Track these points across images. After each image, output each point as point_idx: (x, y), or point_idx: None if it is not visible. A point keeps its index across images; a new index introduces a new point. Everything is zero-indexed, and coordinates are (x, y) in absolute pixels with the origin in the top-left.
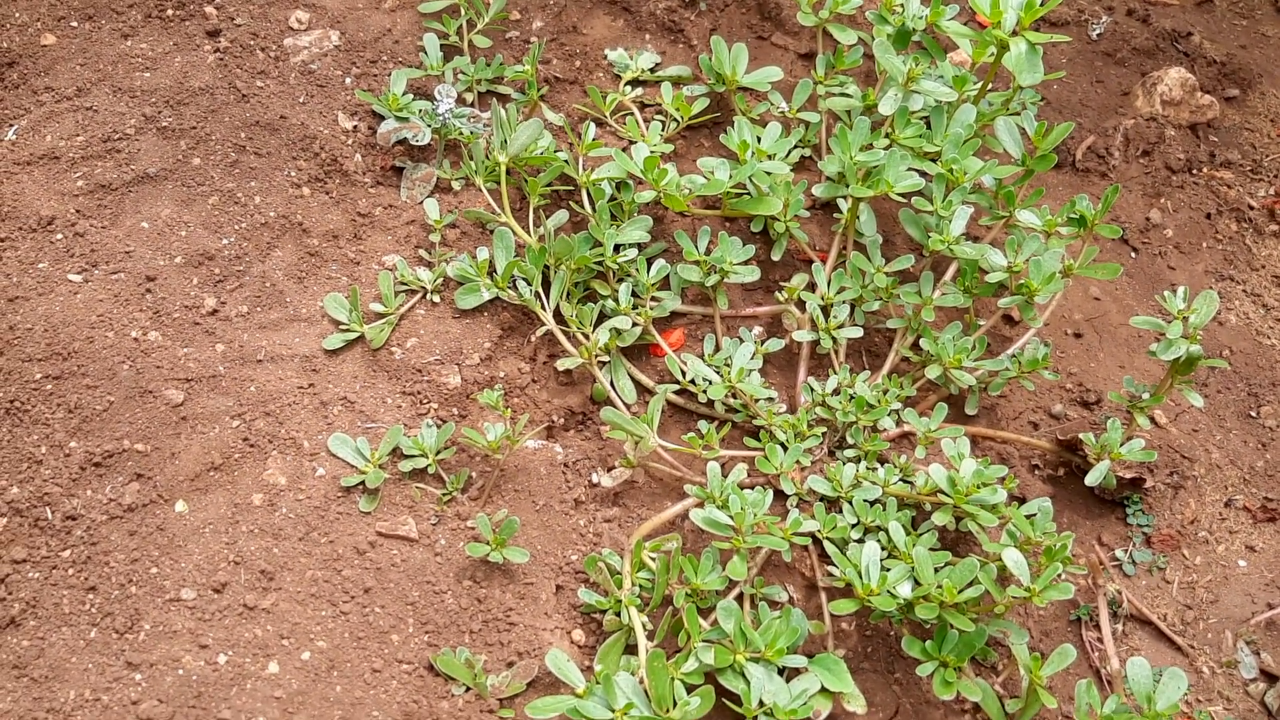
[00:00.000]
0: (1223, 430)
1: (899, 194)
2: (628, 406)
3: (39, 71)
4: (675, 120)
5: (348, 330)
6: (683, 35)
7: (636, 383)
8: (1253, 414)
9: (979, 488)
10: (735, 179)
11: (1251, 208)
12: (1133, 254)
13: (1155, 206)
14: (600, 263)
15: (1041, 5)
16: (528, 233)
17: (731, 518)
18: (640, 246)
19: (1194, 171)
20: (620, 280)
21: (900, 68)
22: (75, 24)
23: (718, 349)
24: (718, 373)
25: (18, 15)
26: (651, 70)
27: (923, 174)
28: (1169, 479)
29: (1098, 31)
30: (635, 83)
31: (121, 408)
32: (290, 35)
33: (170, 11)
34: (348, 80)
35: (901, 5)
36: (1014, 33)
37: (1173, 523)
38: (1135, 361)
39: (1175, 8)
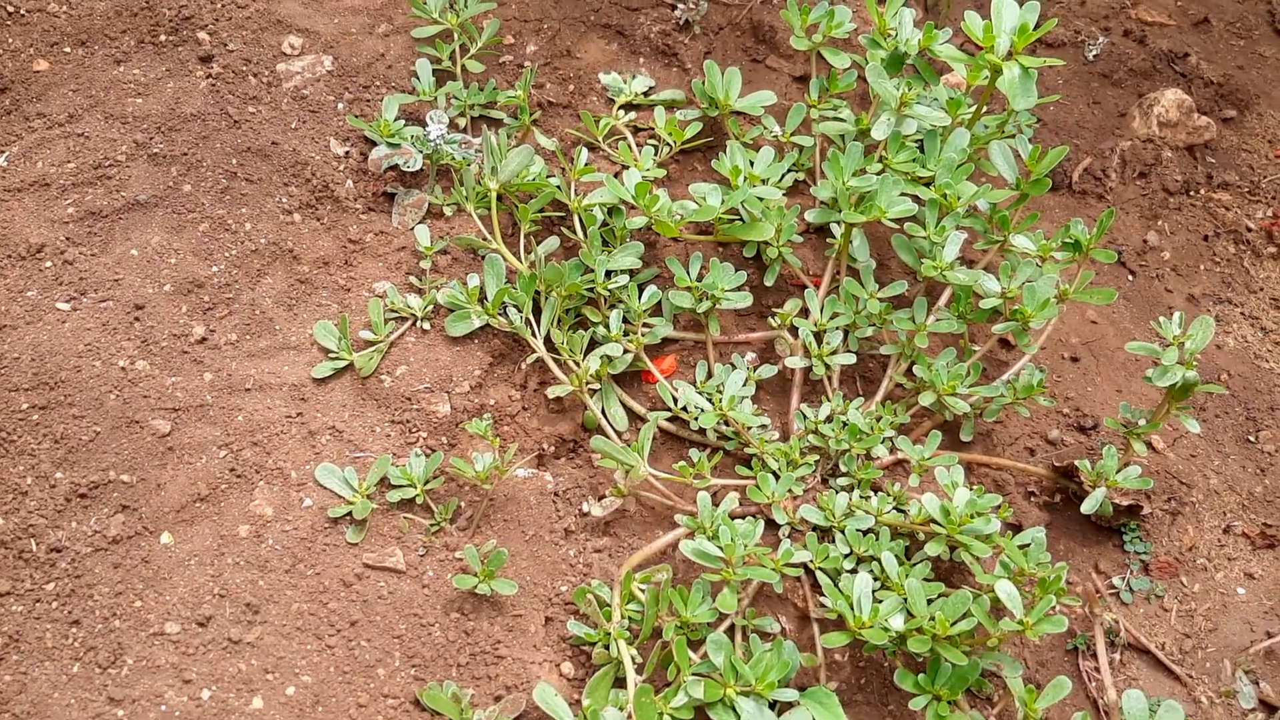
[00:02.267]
0: (1221, 455)
1: (892, 219)
2: (619, 434)
3: (31, 98)
4: (668, 145)
5: (337, 358)
6: (677, 59)
7: (628, 409)
8: (1251, 439)
9: (972, 517)
10: (727, 204)
11: (1249, 230)
12: (1130, 276)
13: (1152, 228)
14: (591, 289)
15: (1035, 29)
16: (519, 259)
17: (722, 549)
18: (632, 273)
19: (1191, 193)
20: (611, 307)
21: (893, 93)
22: (68, 50)
23: (710, 376)
24: (710, 400)
25: (11, 41)
26: (645, 94)
27: (916, 199)
28: (1166, 505)
29: (1094, 53)
30: (629, 106)
31: (108, 438)
32: (283, 61)
33: (163, 38)
34: (340, 106)
35: (895, 30)
36: (1008, 56)
37: (1171, 549)
38: (1133, 385)
39: (1172, 28)
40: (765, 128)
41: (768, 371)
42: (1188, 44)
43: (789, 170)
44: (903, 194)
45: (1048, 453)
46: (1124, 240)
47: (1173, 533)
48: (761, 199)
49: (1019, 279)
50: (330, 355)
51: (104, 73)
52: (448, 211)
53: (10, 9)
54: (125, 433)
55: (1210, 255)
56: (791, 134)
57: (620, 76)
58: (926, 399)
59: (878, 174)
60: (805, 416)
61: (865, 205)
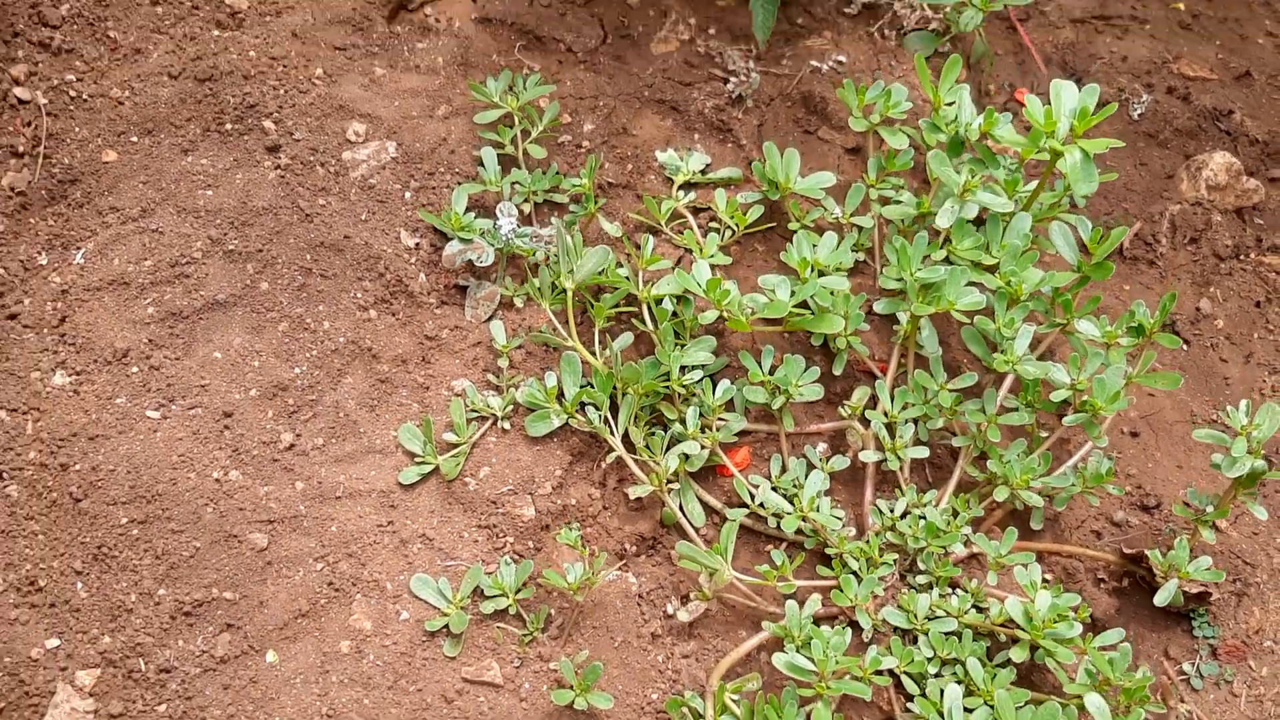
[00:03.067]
0: None
1: (960, 311)
2: (697, 530)
3: (102, 190)
4: (730, 229)
5: (423, 462)
6: (731, 134)
7: (705, 505)
8: None
9: (1055, 621)
10: (797, 298)
11: None
12: (1184, 346)
13: (1205, 296)
14: (667, 385)
15: (1096, 113)
16: (594, 355)
17: (814, 663)
18: (704, 367)
19: (1242, 257)
20: (686, 402)
21: (956, 179)
22: (135, 139)
23: (784, 470)
24: (789, 500)
25: (77, 130)
26: (702, 172)
27: (982, 287)
28: (1233, 586)
29: (1139, 111)
30: (687, 185)
31: (208, 553)
32: (348, 148)
33: (229, 126)
34: (407, 195)
35: (953, 107)
36: (1068, 140)
37: (1238, 632)
38: (1193, 461)
39: (1215, 83)
40: (825, 209)
41: (840, 463)
42: (1231, 99)
43: (851, 251)
44: (969, 283)
45: (1114, 535)
46: (1177, 309)
47: (1239, 615)
48: (830, 290)
49: (1088, 370)
50: (416, 460)
51: (173, 163)
52: (519, 302)
53: (73, 94)
54: (224, 547)
55: (1264, 322)
56: (851, 215)
57: (677, 154)
58: (1000, 494)
59: (943, 261)
60: (881, 512)
61: (933, 296)
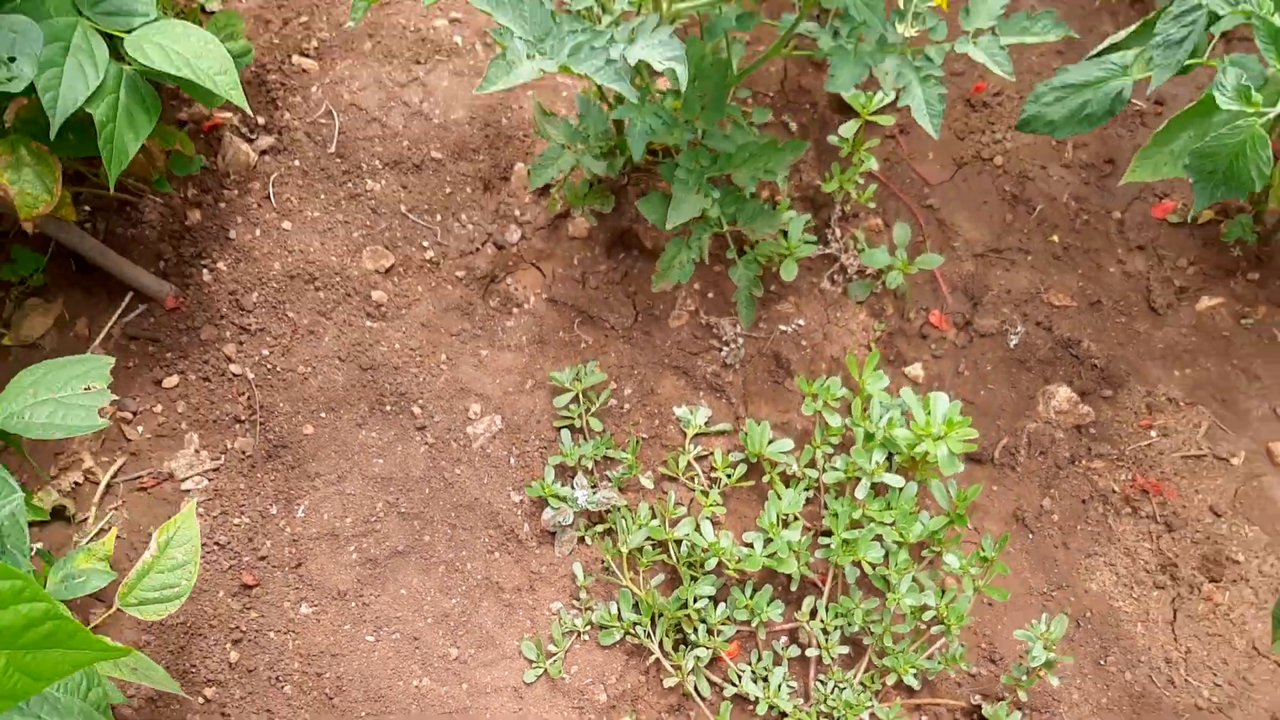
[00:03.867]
0: (1081, 675)
1: (867, 561)
2: (704, 699)
3: (307, 457)
4: (726, 476)
5: (537, 666)
6: (724, 394)
7: (711, 682)
8: (1101, 661)
9: None
10: (767, 551)
11: (1114, 492)
12: (1030, 535)
13: (1047, 495)
14: (685, 610)
15: (959, 419)
16: (639, 588)
17: None
18: (711, 596)
19: (1076, 464)
20: (700, 620)
21: (868, 465)
22: (324, 415)
23: (759, 658)
24: (764, 680)
25: (281, 405)
26: (706, 424)
27: (880, 539)
28: (1043, 715)
29: (1014, 341)
30: (697, 437)
31: None
32: (470, 424)
33: (388, 407)
34: (511, 460)
35: (873, 408)
36: (939, 438)
37: None
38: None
39: (1073, 309)
40: (787, 464)
41: (794, 651)
42: (1083, 326)
43: (805, 500)
44: (874, 538)
45: (969, 684)
46: (1028, 506)
47: None
48: (788, 543)
49: (947, 597)
50: (532, 664)
51: (353, 436)
52: (589, 540)
53: (269, 366)
54: None
55: (1085, 516)
56: (805, 465)
57: (689, 409)
58: (892, 677)
59: (859, 520)
60: (820, 685)
61: (851, 549)
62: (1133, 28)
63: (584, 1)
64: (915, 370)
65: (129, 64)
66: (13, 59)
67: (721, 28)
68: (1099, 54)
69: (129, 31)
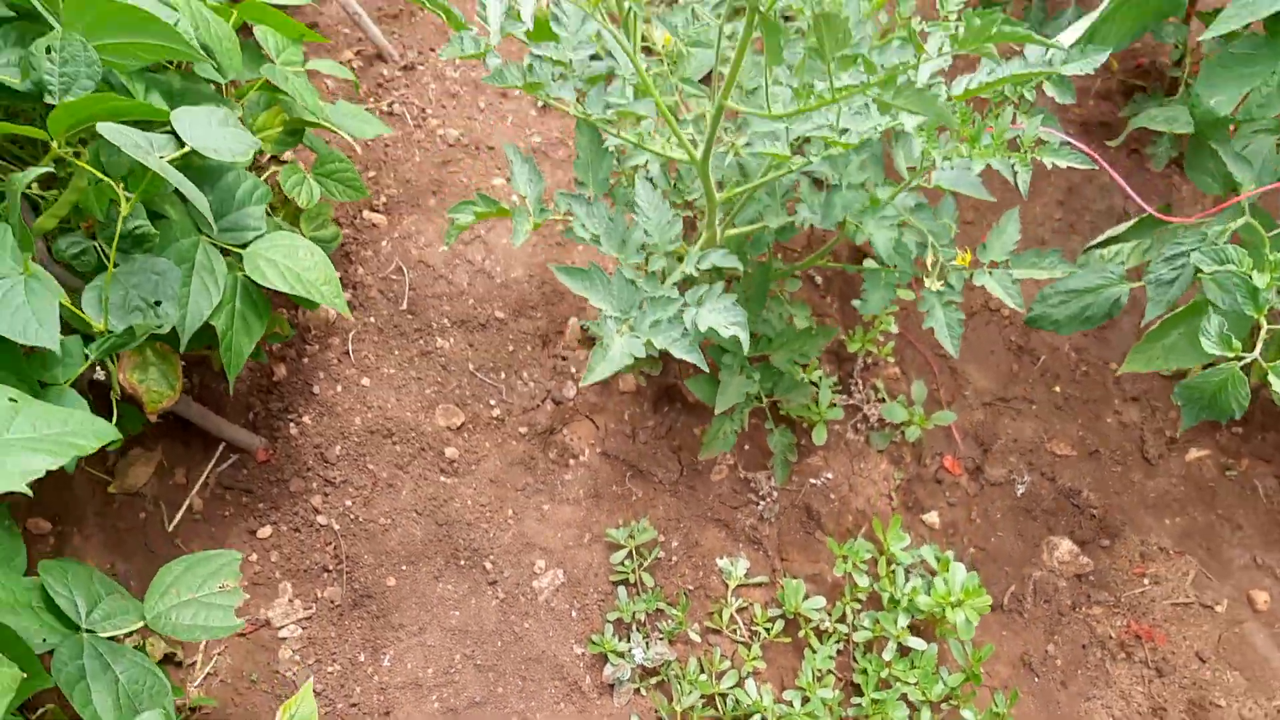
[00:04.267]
0: None
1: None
2: None
3: (390, 608)
4: (765, 630)
5: None
6: (761, 545)
7: None
8: None
9: None
10: (805, 709)
11: (1110, 638)
12: (1035, 679)
13: (1051, 641)
14: None
15: (975, 589)
16: None
17: None
18: None
19: (1077, 610)
20: None
21: (894, 630)
22: (404, 567)
23: None
24: None
25: (365, 558)
26: (745, 575)
27: (906, 695)
28: None
29: (1021, 490)
30: (739, 588)
31: None
32: (535, 578)
33: (462, 561)
34: (573, 614)
35: (896, 574)
36: (957, 605)
37: None
38: None
39: (1074, 459)
40: (818, 620)
41: None
42: (1083, 476)
43: (836, 650)
44: (900, 697)
45: None
46: (1034, 651)
47: None
48: (823, 700)
49: None
50: None
51: (431, 589)
52: (643, 691)
53: (352, 517)
54: None
55: (1085, 660)
56: (836, 620)
57: (729, 560)
58: None
59: (887, 680)
60: None
61: (880, 709)
62: (1130, 223)
63: (659, 263)
64: (932, 518)
65: (242, 271)
66: (158, 302)
67: (766, 241)
68: (1097, 245)
69: (243, 246)
